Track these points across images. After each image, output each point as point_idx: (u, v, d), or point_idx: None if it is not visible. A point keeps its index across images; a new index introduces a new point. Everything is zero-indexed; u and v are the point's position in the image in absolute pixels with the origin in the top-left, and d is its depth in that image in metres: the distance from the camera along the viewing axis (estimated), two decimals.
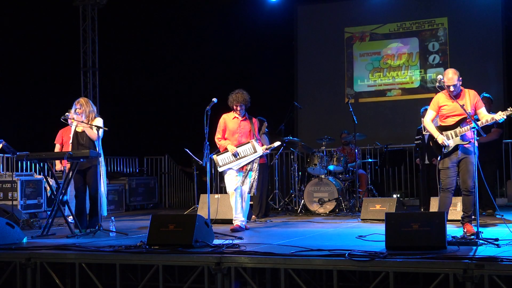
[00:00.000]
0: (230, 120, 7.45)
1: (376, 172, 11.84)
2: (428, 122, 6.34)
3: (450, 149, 6.09)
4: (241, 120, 7.44)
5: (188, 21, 14.64)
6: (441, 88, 6.18)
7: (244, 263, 4.91)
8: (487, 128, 8.39)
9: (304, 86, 14.21)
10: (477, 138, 5.92)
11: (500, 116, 5.95)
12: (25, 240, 6.25)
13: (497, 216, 7.71)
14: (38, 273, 5.43)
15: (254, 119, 7.55)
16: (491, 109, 8.46)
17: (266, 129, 9.30)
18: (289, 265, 4.79)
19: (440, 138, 6.14)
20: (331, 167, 10.04)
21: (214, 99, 6.81)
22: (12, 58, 13.40)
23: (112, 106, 14.37)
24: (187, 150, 9.96)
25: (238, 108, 7.35)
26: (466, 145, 6.07)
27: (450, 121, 6.15)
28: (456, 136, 6.06)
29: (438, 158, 6.25)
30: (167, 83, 14.81)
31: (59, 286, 5.45)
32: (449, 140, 6.08)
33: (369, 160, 10.83)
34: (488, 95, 8.55)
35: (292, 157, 10.80)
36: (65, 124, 8.69)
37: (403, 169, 12.17)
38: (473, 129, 5.77)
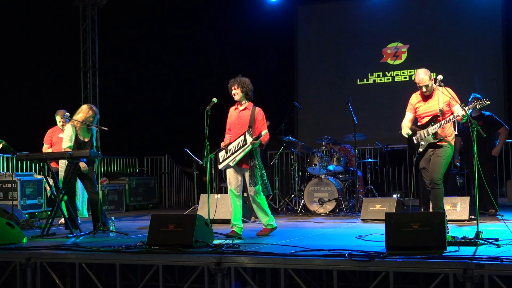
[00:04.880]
0: (232, 112, 6.84)
1: (376, 172, 11.84)
2: (403, 123, 6.41)
3: (424, 148, 6.16)
4: (241, 111, 6.73)
5: (188, 21, 14.64)
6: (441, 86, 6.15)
7: (244, 263, 4.91)
8: (492, 128, 8.39)
9: (304, 86, 14.21)
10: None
11: (462, 112, 5.82)
12: (25, 240, 6.25)
13: (498, 216, 7.71)
14: (38, 273, 5.43)
15: (257, 109, 6.71)
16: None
17: None
18: (289, 265, 4.79)
19: (404, 130, 6.29)
20: (331, 167, 10.04)
21: (214, 99, 6.77)
22: (12, 58, 13.40)
23: (112, 106, 14.37)
24: (187, 150, 9.95)
25: (234, 94, 6.65)
26: (438, 143, 6.10)
27: (424, 120, 6.21)
28: (428, 135, 6.08)
29: (414, 158, 6.32)
30: (167, 83, 14.81)
31: (59, 286, 5.45)
32: (421, 139, 6.12)
33: (369, 160, 10.82)
34: (476, 95, 8.54)
35: (292, 157, 10.80)
36: (54, 124, 8.84)
37: (403, 169, 12.17)
38: (473, 129, 5.72)
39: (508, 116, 12.25)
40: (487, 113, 8.63)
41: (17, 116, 13.22)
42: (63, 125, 8.67)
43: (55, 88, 13.69)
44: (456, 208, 7.59)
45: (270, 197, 10.28)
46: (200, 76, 14.47)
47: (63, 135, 8.64)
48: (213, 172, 10.10)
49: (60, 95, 13.33)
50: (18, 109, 13.37)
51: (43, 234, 6.87)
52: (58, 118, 8.75)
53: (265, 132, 6.56)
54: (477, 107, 5.96)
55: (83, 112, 7.43)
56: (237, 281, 4.95)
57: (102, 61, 14.15)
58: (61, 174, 7.45)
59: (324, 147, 10.06)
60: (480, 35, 12.84)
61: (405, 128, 6.33)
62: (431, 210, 6.25)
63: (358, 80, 13.75)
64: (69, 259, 5.43)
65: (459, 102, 6.02)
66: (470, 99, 8.48)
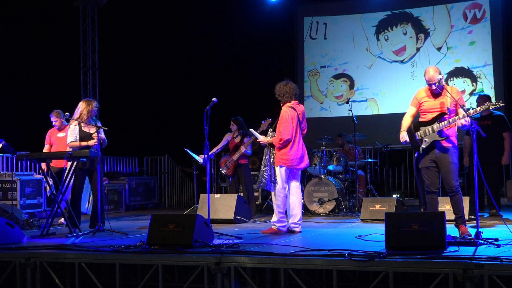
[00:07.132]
0: None
1: (376, 172, 11.83)
2: (405, 117, 6.32)
3: (428, 145, 6.03)
4: None
5: (188, 21, 14.64)
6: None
7: (244, 263, 4.90)
8: (496, 133, 8.28)
9: (304, 86, 14.21)
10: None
11: (473, 112, 5.87)
12: (25, 240, 6.26)
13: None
14: (38, 273, 5.42)
15: (281, 111, 7.03)
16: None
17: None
18: (289, 265, 4.78)
19: (401, 134, 6.23)
20: (331, 167, 10.04)
21: (214, 99, 6.77)
22: (12, 58, 13.40)
23: (112, 106, 14.37)
24: (187, 150, 9.95)
25: None
26: (443, 143, 6.00)
27: (429, 117, 6.12)
28: (433, 131, 6.01)
29: (415, 155, 6.23)
30: (167, 83, 14.81)
31: (59, 286, 5.45)
32: (426, 135, 6.06)
33: (369, 160, 10.82)
34: (484, 93, 8.50)
35: None
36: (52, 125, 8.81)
37: (403, 169, 12.16)
38: (473, 129, 5.69)
39: (509, 119, 12.22)
40: (497, 113, 8.44)
41: (17, 116, 13.22)
42: (59, 126, 8.69)
43: (55, 88, 13.69)
44: None
45: (270, 196, 10.25)
46: (200, 76, 14.47)
47: (61, 134, 8.67)
48: (213, 172, 10.10)
49: (60, 95, 13.34)
50: (18, 109, 13.37)
51: (43, 234, 6.87)
52: (52, 118, 8.72)
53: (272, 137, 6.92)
54: (490, 108, 5.89)
55: (84, 107, 7.46)
56: (237, 281, 4.94)
57: (102, 61, 14.16)
58: None
59: (327, 144, 10.10)
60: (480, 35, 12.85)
61: (401, 131, 6.28)
62: (450, 215, 6.18)
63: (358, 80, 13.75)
64: (69, 259, 5.43)
65: (464, 103, 6.03)
66: (477, 98, 8.44)
